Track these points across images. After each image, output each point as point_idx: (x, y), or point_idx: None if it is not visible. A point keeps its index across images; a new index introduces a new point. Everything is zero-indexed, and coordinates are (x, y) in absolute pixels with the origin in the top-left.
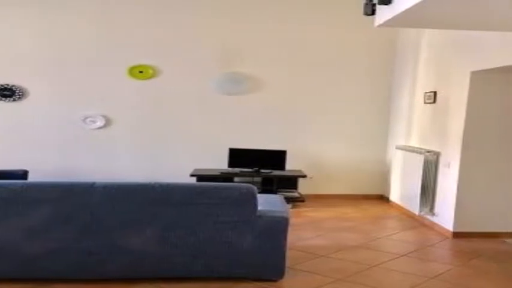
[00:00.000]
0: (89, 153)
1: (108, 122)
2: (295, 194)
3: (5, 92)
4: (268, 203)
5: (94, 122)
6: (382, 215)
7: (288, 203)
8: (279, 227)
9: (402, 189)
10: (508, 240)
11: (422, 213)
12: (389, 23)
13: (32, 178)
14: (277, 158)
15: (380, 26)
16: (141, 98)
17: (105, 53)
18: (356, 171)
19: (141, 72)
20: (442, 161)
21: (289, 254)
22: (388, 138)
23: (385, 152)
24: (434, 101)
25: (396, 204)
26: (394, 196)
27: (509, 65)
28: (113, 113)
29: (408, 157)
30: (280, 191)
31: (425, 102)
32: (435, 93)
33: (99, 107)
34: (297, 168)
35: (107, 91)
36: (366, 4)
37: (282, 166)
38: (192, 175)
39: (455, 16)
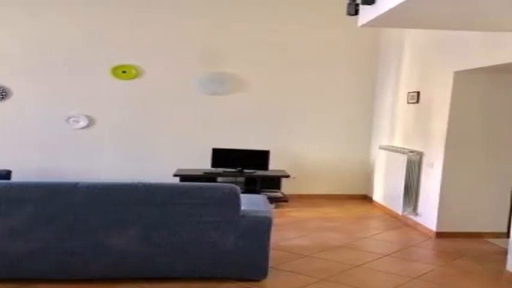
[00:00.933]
0: (73, 153)
1: (91, 122)
2: (279, 194)
3: None
4: (251, 203)
5: (77, 122)
6: (366, 215)
7: (271, 203)
8: (262, 227)
9: (385, 189)
10: (491, 240)
11: (405, 213)
12: (372, 23)
13: (15, 178)
14: (260, 158)
15: (363, 26)
16: (124, 98)
17: (88, 53)
18: (339, 171)
19: (124, 72)
20: (425, 161)
21: (272, 254)
22: (372, 138)
23: (369, 152)
24: (417, 101)
25: (379, 204)
26: (378, 196)
27: (492, 65)
28: (96, 113)
29: (391, 157)
30: (263, 191)
31: (408, 102)
32: (418, 93)
33: (83, 107)
34: (280, 168)
35: (90, 91)
36: (349, 4)
37: (265, 166)
38: (175, 175)
39: (438, 16)
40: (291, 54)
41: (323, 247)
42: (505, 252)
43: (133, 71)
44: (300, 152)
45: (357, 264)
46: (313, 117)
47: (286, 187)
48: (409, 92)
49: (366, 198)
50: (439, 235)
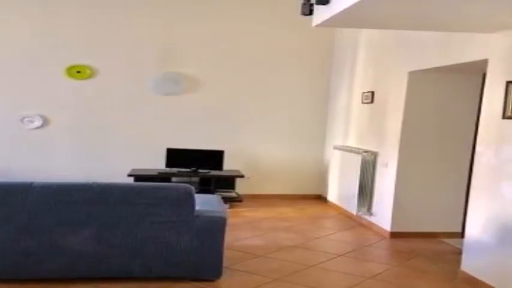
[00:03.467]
0: (27, 153)
1: (46, 122)
2: (233, 194)
3: None
4: (205, 203)
5: (32, 121)
6: (320, 215)
7: (225, 203)
8: (216, 227)
9: (340, 189)
10: (445, 240)
11: (360, 213)
12: (327, 23)
13: None
14: (215, 158)
15: (318, 26)
16: (79, 98)
17: (42, 52)
18: (294, 171)
19: (78, 72)
20: (379, 161)
21: (227, 254)
22: (326, 138)
23: (323, 152)
24: (372, 101)
25: (334, 204)
26: (332, 196)
27: (445, 65)
28: (51, 113)
29: (346, 157)
30: (217, 191)
31: (363, 102)
32: (373, 93)
33: (37, 107)
34: (234, 168)
35: (44, 91)
36: (304, 4)
37: (219, 166)
38: (129, 175)
39: (393, 16)
40: (245, 54)
41: (277, 247)
42: (459, 252)
43: (88, 71)
44: (254, 152)
45: (311, 264)
46: (267, 117)
47: (241, 187)
48: (364, 92)
49: (321, 198)
50: (394, 235)
